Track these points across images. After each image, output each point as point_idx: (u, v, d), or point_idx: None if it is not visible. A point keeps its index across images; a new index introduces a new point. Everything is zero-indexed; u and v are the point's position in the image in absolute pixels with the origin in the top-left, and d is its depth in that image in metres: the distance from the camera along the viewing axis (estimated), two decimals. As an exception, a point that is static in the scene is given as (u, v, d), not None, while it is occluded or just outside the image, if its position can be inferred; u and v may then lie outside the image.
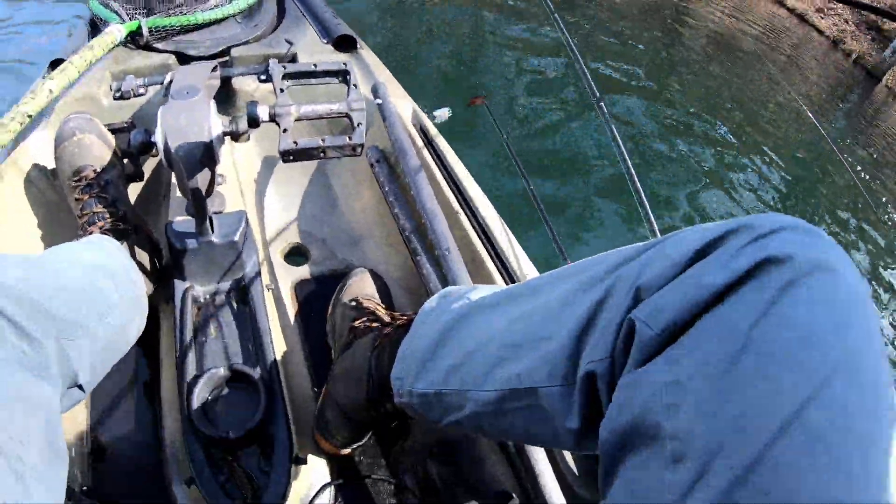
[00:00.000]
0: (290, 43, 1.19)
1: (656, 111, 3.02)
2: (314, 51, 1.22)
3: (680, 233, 0.38)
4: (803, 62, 5.11)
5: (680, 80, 3.54)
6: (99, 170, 0.77)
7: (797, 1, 7.01)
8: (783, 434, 0.27)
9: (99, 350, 0.51)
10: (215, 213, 0.76)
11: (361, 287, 0.81)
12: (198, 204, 0.69)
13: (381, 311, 0.72)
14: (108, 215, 0.76)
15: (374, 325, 0.68)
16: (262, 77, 0.89)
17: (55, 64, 1.09)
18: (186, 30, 1.14)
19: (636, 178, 0.86)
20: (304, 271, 0.99)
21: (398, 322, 0.66)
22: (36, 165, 0.90)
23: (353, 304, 0.76)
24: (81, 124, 0.78)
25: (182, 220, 0.77)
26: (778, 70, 4.53)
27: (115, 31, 0.86)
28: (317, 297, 0.95)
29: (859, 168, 3.35)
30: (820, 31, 6.43)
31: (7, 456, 0.33)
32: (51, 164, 0.92)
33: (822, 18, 6.70)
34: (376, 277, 0.85)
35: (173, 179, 0.96)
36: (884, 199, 3.08)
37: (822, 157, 3.35)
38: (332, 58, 1.21)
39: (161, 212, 1.02)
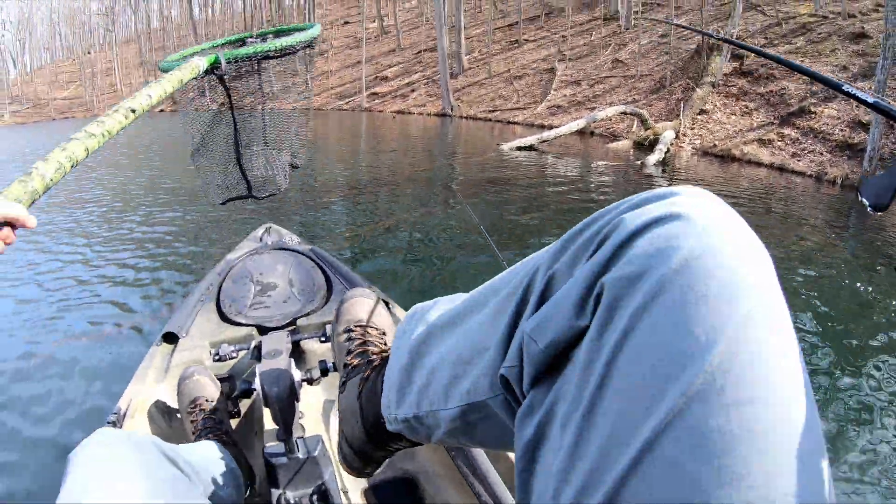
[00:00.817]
0: None
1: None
2: None
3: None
4: (798, 208, 5.37)
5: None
6: (210, 400, 1.06)
7: (772, 155, 7.56)
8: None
9: None
10: (298, 437, 0.99)
11: (354, 314, 0.77)
12: (287, 430, 0.95)
13: (371, 339, 0.70)
14: (215, 432, 1.02)
15: (361, 363, 0.67)
16: (322, 339, 1.23)
17: (167, 336, 1.47)
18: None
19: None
20: (367, 481, 1.19)
21: (375, 362, 0.64)
22: (156, 403, 1.22)
23: (346, 333, 0.73)
24: (198, 369, 1.10)
25: (274, 444, 1.01)
26: (777, 222, 4.85)
27: (199, 61, 0.93)
28: (380, 499, 1.13)
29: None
30: (801, 174, 6.86)
31: None
32: (167, 403, 1.24)
33: (799, 160, 7.17)
34: (370, 298, 0.82)
35: (264, 417, 1.24)
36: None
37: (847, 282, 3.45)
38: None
39: (255, 444, 1.28)
